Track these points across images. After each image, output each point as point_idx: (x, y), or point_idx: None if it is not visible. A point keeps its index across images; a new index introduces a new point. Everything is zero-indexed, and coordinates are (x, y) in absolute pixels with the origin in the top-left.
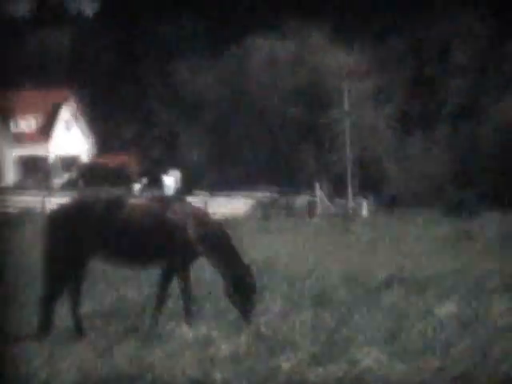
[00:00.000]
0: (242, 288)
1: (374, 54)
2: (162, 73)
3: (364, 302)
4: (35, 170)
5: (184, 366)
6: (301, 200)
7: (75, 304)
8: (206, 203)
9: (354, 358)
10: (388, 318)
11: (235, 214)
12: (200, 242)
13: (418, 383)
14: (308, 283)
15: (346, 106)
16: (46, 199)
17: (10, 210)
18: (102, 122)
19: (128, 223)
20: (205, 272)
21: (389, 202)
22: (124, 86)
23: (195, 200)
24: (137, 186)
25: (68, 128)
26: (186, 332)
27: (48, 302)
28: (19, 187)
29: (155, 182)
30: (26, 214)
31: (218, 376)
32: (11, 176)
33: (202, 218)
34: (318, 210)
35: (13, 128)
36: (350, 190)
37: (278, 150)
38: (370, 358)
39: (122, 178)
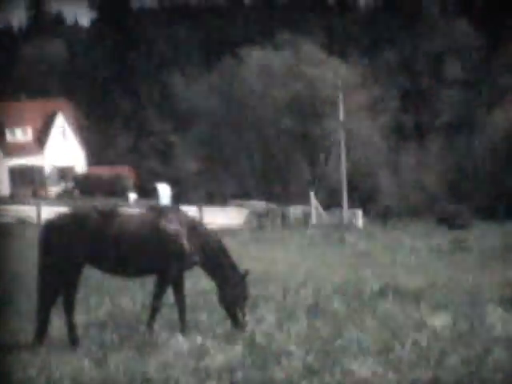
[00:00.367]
0: (236, 296)
1: (369, 66)
2: (156, 83)
3: (358, 312)
4: (30, 180)
5: (179, 375)
6: (295, 210)
7: (70, 313)
8: (200, 213)
9: (348, 368)
10: (382, 329)
11: (230, 224)
12: (195, 252)
13: None
14: (303, 293)
15: (341, 117)
16: (41, 209)
17: (5, 219)
18: (97, 132)
19: (123, 233)
20: (199, 282)
21: (383, 213)
22: (119, 96)
23: (190, 210)
24: (132, 196)
25: (63, 138)
26: (181, 342)
27: (43, 312)
28: (14, 197)
29: (150, 192)
30: (20, 224)
31: None
32: (6, 186)
33: (196, 228)
34: (313, 220)
35: (8, 138)
36: (344, 200)
37: (272, 161)
38: (364, 368)
39: (116, 188)
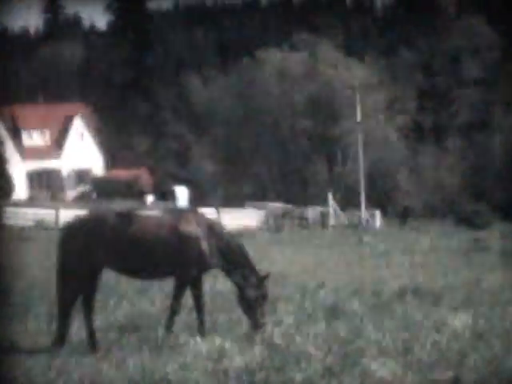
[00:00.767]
0: (255, 297)
1: (386, 66)
2: (173, 85)
3: (377, 313)
4: (48, 183)
5: (198, 377)
6: (313, 211)
7: (89, 316)
8: (218, 215)
9: (367, 369)
10: (402, 329)
11: (248, 225)
12: (213, 254)
13: None
14: (321, 294)
15: (359, 118)
16: (59, 212)
17: (23, 222)
18: (115, 134)
19: (141, 235)
20: (217, 283)
21: (402, 213)
22: (136, 99)
23: (207, 212)
24: (149, 198)
25: (81, 141)
26: (200, 344)
27: (62, 315)
28: (32, 200)
29: (168, 194)
30: (39, 227)
31: None
32: (24, 189)
33: (215, 229)
34: (331, 221)
35: (26, 141)
36: (362, 200)
37: (290, 162)
38: (384, 369)
39: (134, 190)
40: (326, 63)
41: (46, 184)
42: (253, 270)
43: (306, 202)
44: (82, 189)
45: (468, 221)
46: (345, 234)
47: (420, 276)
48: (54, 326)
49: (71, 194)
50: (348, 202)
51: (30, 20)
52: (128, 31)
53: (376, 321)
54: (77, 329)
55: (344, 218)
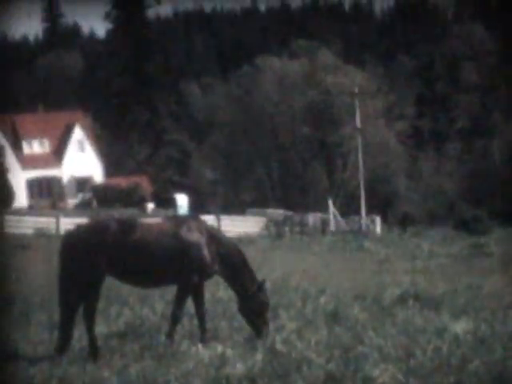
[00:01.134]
0: (256, 305)
1: (385, 72)
2: (173, 93)
3: (379, 318)
4: (48, 192)
5: None
6: (314, 217)
7: (90, 324)
8: (218, 222)
9: (369, 375)
10: (403, 335)
11: (248, 232)
12: (214, 261)
13: None
14: (322, 300)
15: (358, 124)
16: (60, 220)
17: (24, 230)
18: (115, 142)
19: (143, 243)
20: (218, 290)
21: (402, 219)
22: (136, 107)
23: (208, 219)
24: (149, 206)
25: (81, 149)
26: (201, 351)
27: (64, 323)
28: (33, 208)
29: (168, 202)
30: (39, 235)
31: None
32: (24, 197)
33: (216, 237)
34: (331, 228)
35: (26, 150)
36: (363, 206)
37: (290, 168)
38: (385, 375)
39: (134, 198)
40: (325, 70)
41: (46, 192)
42: (253, 277)
43: (306, 208)
44: (82, 197)
45: (468, 226)
46: (345, 240)
47: (421, 281)
48: (56, 334)
49: (71, 201)
50: (348, 208)
51: (29, 29)
52: (127, 39)
53: (377, 327)
54: (78, 336)
55: (344, 224)
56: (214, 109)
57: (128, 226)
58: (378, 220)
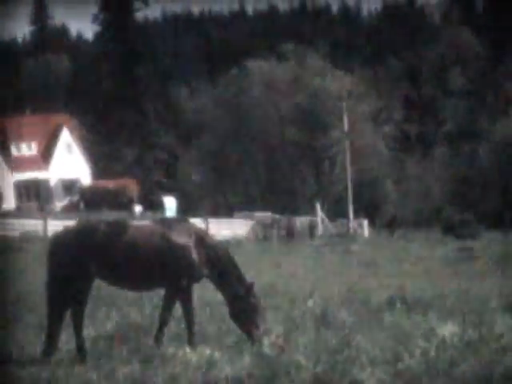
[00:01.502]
0: (247, 308)
1: (372, 76)
2: (161, 96)
3: (366, 322)
4: (36, 194)
5: None
6: (301, 221)
7: (78, 327)
8: (206, 225)
9: (357, 378)
10: (390, 339)
11: (235, 235)
12: (203, 264)
13: None
14: (310, 304)
15: (346, 127)
16: (47, 222)
17: (11, 233)
18: (102, 145)
19: (131, 245)
20: (206, 293)
21: (389, 223)
22: (124, 110)
23: (195, 222)
24: (137, 209)
25: (69, 151)
26: (189, 354)
27: (52, 326)
28: (20, 211)
29: (156, 204)
30: (27, 238)
31: None
32: (12, 199)
33: (204, 240)
34: (319, 231)
35: (14, 152)
36: (350, 210)
37: (277, 172)
38: (373, 378)
39: (122, 200)
40: (312, 73)
41: (34, 195)
42: (242, 281)
43: (293, 211)
44: (69, 199)
45: (455, 230)
46: (333, 244)
47: (408, 285)
48: (43, 337)
49: (59, 204)
50: (336, 211)
51: (17, 31)
52: (115, 42)
53: (365, 330)
54: (66, 339)
55: (332, 227)
56: (202, 111)
57: (117, 229)
58: (365, 223)
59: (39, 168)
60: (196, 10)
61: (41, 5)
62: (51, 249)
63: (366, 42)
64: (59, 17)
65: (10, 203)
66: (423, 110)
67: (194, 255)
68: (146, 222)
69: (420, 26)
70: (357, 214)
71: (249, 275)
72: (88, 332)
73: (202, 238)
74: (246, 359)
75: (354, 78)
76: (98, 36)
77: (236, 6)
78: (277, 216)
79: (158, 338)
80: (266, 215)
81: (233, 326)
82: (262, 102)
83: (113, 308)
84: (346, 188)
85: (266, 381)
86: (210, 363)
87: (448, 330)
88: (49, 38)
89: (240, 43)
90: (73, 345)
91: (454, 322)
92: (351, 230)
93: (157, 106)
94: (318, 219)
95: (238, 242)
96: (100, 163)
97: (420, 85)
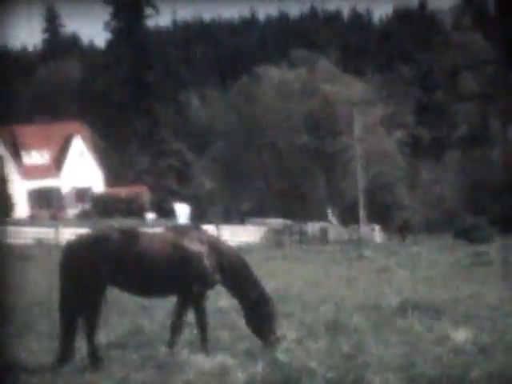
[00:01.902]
0: (262, 315)
1: (384, 81)
2: (173, 103)
3: (379, 327)
4: (48, 202)
5: None
6: (313, 226)
7: (92, 334)
8: (218, 231)
9: None
10: (404, 344)
11: (248, 241)
12: (216, 270)
13: None
14: (322, 309)
15: (357, 133)
16: (60, 230)
17: (24, 241)
18: (114, 152)
19: (144, 253)
20: (218, 299)
21: (401, 228)
22: (136, 117)
23: (208, 228)
24: (149, 216)
25: (81, 160)
26: (202, 360)
27: (65, 334)
28: (33, 219)
29: (168, 212)
30: (39, 246)
31: None
32: (24, 208)
33: (218, 246)
34: (331, 237)
35: (26, 160)
36: (362, 215)
37: (289, 177)
38: None
39: (134, 208)
40: (324, 79)
41: (46, 203)
42: (257, 286)
43: (305, 217)
44: (82, 207)
45: (468, 235)
46: (345, 249)
47: (421, 290)
48: (57, 344)
49: (71, 212)
50: (348, 216)
51: (29, 39)
52: (127, 49)
53: (378, 335)
54: (79, 347)
55: (344, 232)
56: (213, 118)
57: (130, 236)
58: (377, 229)
59: (51, 176)
60: (207, 17)
61: (53, 13)
62: (64, 257)
63: (377, 48)
64: (71, 25)
65: (23, 211)
66: (435, 115)
67: (207, 262)
68: (158, 230)
69: (431, 31)
70: (369, 220)
71: (261, 281)
72: (100, 339)
73: (214, 245)
74: (259, 365)
75: (365, 84)
76: (110, 43)
77: (247, 13)
78: (289, 222)
79: (171, 346)
80: (278, 221)
81: (245, 331)
82: (273, 109)
83: (125, 315)
84: (357, 193)
85: None
86: (223, 369)
87: (461, 335)
88: (61, 46)
89: (251, 50)
90: (86, 352)
91: (468, 327)
92: (363, 236)
93: (168, 113)
94: (330, 225)
95: (250, 249)
96: (112, 171)
97: (432, 90)
